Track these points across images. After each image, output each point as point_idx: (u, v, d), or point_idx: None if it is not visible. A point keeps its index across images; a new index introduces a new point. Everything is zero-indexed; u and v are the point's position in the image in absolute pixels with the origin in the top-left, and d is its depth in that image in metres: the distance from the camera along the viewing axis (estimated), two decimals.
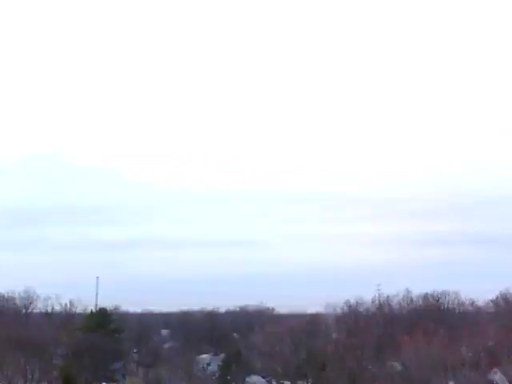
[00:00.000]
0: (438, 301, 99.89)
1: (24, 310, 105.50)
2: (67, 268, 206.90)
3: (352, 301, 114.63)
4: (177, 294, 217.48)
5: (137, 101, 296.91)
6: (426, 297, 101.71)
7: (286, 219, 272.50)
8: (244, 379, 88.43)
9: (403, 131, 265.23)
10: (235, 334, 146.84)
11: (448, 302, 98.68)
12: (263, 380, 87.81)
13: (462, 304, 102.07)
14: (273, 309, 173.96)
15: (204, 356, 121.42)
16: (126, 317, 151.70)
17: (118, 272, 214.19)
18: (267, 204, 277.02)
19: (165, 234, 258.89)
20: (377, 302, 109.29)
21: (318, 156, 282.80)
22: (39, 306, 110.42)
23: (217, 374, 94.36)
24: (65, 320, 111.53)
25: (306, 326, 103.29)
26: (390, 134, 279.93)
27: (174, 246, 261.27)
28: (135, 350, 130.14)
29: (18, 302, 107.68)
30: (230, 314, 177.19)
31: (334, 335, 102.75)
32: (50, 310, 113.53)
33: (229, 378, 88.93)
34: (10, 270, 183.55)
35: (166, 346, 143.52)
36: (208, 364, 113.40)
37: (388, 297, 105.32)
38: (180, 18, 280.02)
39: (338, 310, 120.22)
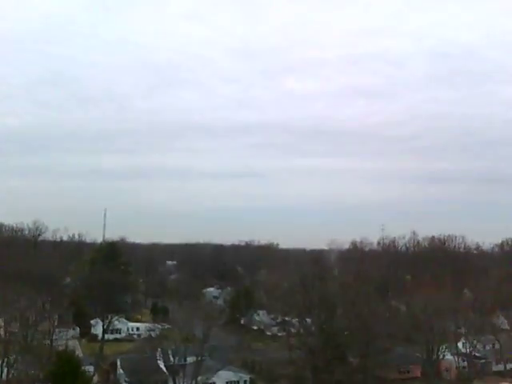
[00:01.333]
0: (444, 244, 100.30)
1: (33, 242, 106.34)
2: (74, 197, 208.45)
3: (357, 240, 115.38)
4: (182, 226, 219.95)
5: None
6: (432, 240, 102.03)
7: (291, 152, 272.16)
8: (252, 315, 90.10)
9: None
10: (240, 269, 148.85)
11: (454, 246, 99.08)
12: (269, 316, 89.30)
13: (468, 248, 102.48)
14: (277, 244, 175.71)
15: (211, 289, 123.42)
16: (132, 248, 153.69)
17: (124, 202, 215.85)
18: (272, 137, 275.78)
19: (172, 164, 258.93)
20: (382, 242, 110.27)
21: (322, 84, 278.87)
22: (48, 237, 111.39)
23: (224, 308, 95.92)
24: (74, 251, 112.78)
25: (311, 263, 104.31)
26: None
27: (180, 175, 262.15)
28: (141, 280, 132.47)
29: (27, 233, 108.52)
30: (234, 248, 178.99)
31: (337, 272, 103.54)
32: (58, 240, 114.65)
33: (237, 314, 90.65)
34: (19, 196, 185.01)
35: (172, 277, 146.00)
36: (215, 297, 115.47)
37: (394, 238, 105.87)
38: None
39: (343, 248, 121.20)
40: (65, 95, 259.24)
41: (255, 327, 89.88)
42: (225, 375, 61.41)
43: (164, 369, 61.54)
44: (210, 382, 59.12)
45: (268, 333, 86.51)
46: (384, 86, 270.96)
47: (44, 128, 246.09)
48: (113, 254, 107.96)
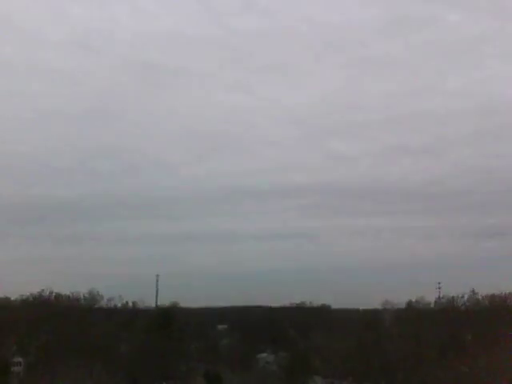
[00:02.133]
0: (505, 301, 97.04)
1: (88, 311, 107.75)
2: (126, 264, 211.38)
3: (413, 299, 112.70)
4: (233, 289, 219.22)
5: None
6: (492, 298, 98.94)
7: (338, 212, 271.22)
8: (307, 381, 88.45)
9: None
10: (293, 332, 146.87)
11: None
12: (326, 381, 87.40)
13: None
14: (329, 305, 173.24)
15: (264, 355, 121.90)
16: (184, 312, 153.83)
17: (175, 268, 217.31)
18: (320, 198, 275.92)
19: (219, 228, 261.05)
20: (439, 302, 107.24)
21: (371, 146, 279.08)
22: (103, 306, 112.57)
23: (278, 374, 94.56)
24: (128, 319, 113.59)
25: (367, 325, 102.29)
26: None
27: (229, 239, 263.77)
28: (194, 346, 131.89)
29: (82, 302, 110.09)
30: (286, 310, 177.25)
31: (394, 334, 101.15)
32: (112, 307, 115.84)
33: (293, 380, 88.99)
34: (74, 265, 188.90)
35: (224, 341, 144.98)
36: (267, 362, 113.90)
37: (452, 298, 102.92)
38: None
39: (398, 308, 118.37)
40: (116, 166, 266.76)
41: None
42: None
43: None
44: None
45: None
46: (429, 144, 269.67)
47: (96, 197, 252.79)
48: (166, 320, 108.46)
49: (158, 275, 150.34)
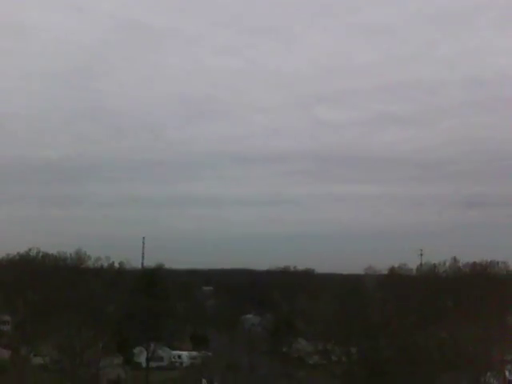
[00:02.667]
0: (486, 270, 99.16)
1: (76, 270, 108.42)
2: (113, 225, 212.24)
3: (395, 265, 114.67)
4: (218, 252, 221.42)
5: None
6: (473, 266, 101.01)
7: (325, 179, 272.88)
8: (292, 343, 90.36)
9: None
10: (277, 295, 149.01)
11: (496, 272, 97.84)
12: (309, 344, 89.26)
13: (511, 273, 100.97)
14: (313, 270, 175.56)
15: (249, 316, 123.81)
16: (170, 274, 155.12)
17: (161, 230, 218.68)
18: (305, 164, 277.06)
19: (206, 192, 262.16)
20: (421, 268, 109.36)
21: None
22: (90, 266, 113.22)
23: (264, 335, 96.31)
24: (115, 279, 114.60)
25: (350, 289, 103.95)
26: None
27: (213, 203, 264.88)
28: (180, 307, 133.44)
29: (69, 262, 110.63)
30: (270, 274, 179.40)
31: (378, 298, 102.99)
32: (99, 268, 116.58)
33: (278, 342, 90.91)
34: (61, 226, 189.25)
35: (209, 302, 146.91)
36: (253, 324, 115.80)
37: (434, 265, 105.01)
38: None
39: (381, 274, 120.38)
40: (102, 128, 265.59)
41: (296, 355, 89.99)
42: None
43: None
44: None
45: (309, 361, 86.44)
46: (417, 114, 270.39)
47: (82, 159, 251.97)
48: (152, 281, 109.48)
49: (144, 237, 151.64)
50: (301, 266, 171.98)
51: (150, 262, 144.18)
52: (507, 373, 69.30)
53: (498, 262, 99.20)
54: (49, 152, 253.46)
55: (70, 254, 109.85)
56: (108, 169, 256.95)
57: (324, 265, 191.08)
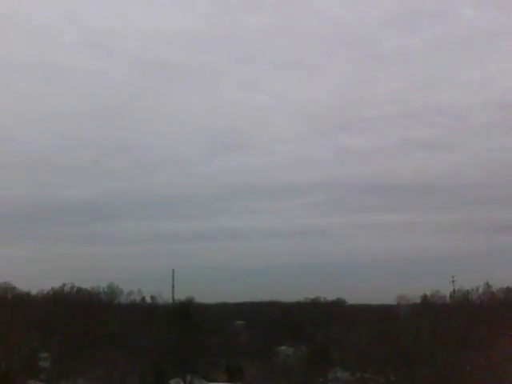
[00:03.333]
0: None
1: (109, 305, 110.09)
2: (144, 261, 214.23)
3: (428, 293, 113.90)
4: (248, 285, 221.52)
5: None
6: (507, 290, 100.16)
7: (351, 208, 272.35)
8: (328, 373, 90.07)
9: None
10: (309, 326, 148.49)
11: None
12: (347, 373, 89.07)
13: None
14: (344, 300, 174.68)
15: (283, 347, 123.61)
16: (201, 308, 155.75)
17: (190, 264, 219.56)
18: (332, 194, 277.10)
19: (233, 225, 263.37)
20: (455, 295, 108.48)
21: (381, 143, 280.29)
22: (123, 300, 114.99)
23: (298, 366, 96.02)
24: (147, 313, 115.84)
25: (384, 319, 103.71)
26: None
27: (242, 236, 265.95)
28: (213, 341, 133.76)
29: (102, 296, 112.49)
30: (301, 305, 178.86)
31: (412, 327, 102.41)
32: (132, 303, 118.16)
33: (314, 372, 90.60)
34: (93, 263, 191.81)
35: (242, 336, 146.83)
36: (287, 355, 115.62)
37: (467, 291, 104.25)
38: None
39: (413, 303, 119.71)
40: (130, 165, 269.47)
41: None
42: None
43: None
44: None
45: None
46: (441, 138, 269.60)
47: (110, 196, 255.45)
48: (185, 314, 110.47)
49: (173, 270, 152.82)
50: (330, 297, 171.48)
51: (181, 296, 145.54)
52: None
53: None
54: (78, 191, 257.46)
55: (103, 289, 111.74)
56: (137, 206, 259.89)
57: (354, 295, 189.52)
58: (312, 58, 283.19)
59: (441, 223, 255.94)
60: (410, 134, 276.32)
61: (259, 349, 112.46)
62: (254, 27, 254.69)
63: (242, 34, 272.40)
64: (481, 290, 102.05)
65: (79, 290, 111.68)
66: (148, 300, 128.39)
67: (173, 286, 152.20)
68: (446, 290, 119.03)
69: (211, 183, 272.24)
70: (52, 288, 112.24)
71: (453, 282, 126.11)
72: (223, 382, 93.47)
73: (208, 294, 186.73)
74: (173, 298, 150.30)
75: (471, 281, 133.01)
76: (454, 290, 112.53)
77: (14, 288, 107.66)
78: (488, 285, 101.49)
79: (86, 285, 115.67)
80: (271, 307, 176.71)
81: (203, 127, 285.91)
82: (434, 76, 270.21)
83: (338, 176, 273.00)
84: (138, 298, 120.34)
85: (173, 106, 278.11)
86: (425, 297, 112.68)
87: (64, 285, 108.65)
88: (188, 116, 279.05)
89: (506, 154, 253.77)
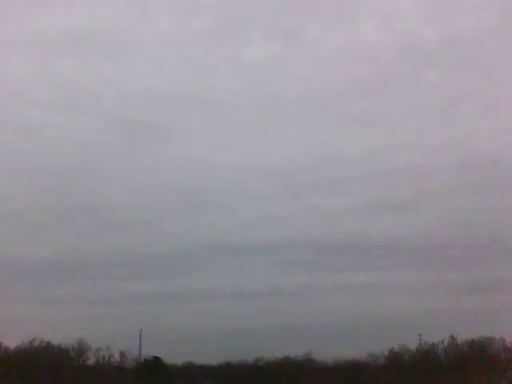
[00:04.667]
0: (484, 347, 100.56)
1: (77, 363, 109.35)
2: (111, 321, 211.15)
3: (396, 348, 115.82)
4: (215, 346, 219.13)
5: None
6: (472, 343, 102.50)
7: (321, 268, 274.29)
8: None
9: None
10: None
11: (494, 349, 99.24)
12: None
13: (509, 350, 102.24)
14: (313, 358, 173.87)
15: None
16: (168, 369, 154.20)
17: (157, 324, 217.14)
18: (299, 254, 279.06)
19: (202, 285, 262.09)
20: (421, 349, 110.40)
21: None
22: (91, 357, 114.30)
23: None
24: (117, 370, 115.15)
25: (353, 374, 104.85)
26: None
27: (212, 296, 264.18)
28: None
29: (71, 353, 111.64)
30: (270, 364, 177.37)
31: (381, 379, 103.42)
32: (101, 360, 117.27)
33: None
34: (57, 322, 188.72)
35: None
36: None
37: (433, 344, 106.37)
38: None
39: (381, 359, 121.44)
40: (98, 223, 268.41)
41: None
42: None
43: None
44: None
45: None
46: (410, 199, 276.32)
47: (74, 255, 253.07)
48: (151, 374, 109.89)
49: (141, 329, 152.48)
50: (301, 355, 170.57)
51: (149, 357, 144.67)
52: None
53: (494, 339, 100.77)
54: (43, 249, 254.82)
55: (73, 345, 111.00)
56: (105, 264, 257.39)
57: (324, 352, 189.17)
58: (283, 119, 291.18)
59: (408, 283, 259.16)
60: (378, 194, 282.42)
61: None
62: (225, 87, 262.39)
63: (213, 94, 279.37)
64: (446, 343, 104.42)
65: (48, 345, 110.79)
66: (116, 357, 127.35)
67: (140, 346, 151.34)
68: (412, 345, 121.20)
69: (181, 242, 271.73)
70: (22, 342, 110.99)
71: (420, 339, 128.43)
72: None
73: (175, 354, 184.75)
74: (140, 356, 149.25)
75: (439, 334, 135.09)
76: (420, 343, 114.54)
77: None
78: (453, 337, 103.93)
79: (56, 341, 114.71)
80: (241, 368, 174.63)
81: (173, 186, 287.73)
82: (400, 138, 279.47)
83: (308, 235, 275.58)
84: (107, 355, 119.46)
85: (143, 165, 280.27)
86: (391, 350, 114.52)
87: (33, 339, 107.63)
88: (158, 175, 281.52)
89: (469, 215, 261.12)
